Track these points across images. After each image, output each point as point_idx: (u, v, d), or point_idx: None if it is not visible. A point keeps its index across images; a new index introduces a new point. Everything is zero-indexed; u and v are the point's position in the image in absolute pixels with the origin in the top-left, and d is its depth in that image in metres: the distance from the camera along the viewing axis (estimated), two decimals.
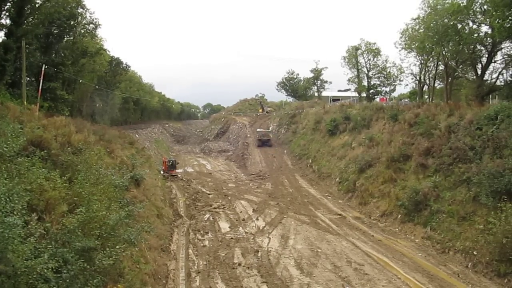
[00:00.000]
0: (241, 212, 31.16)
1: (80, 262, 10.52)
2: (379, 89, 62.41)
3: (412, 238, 23.77)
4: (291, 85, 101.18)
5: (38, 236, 10.16)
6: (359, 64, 61.57)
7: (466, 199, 21.68)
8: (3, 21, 29.48)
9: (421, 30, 40.10)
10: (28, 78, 30.83)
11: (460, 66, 39.61)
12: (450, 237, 21.24)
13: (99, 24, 42.41)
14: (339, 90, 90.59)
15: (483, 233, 18.81)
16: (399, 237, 24.23)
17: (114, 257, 11.66)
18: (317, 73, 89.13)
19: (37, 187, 12.33)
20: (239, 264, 20.12)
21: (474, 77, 36.81)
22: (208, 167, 57.99)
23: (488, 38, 33.50)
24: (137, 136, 54.01)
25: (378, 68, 61.23)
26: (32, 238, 9.63)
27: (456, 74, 40.19)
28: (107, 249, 11.68)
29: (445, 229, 21.85)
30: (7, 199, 9.72)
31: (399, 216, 26.17)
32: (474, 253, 19.11)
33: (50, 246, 10.37)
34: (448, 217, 22.07)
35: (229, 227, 27.12)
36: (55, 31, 36.14)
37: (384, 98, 60.17)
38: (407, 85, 56.91)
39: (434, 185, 24.43)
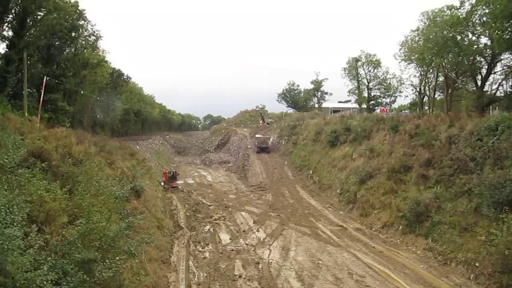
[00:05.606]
0: (241, 223, 31.05)
1: (80, 274, 10.47)
2: (380, 100, 62.57)
3: (414, 249, 23.64)
4: (291, 97, 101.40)
5: (38, 248, 10.12)
6: (359, 75, 61.83)
7: (468, 210, 21.59)
8: (5, 33, 29.76)
9: (420, 42, 40.33)
10: (29, 90, 30.93)
11: (460, 77, 39.74)
12: (451, 249, 21.12)
13: (101, 36, 42.69)
14: (340, 101, 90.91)
15: (485, 245, 18.71)
16: (401, 249, 24.11)
17: (114, 269, 11.60)
18: (317, 84, 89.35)
19: (37, 198, 12.30)
20: (240, 276, 19.98)
21: (474, 88, 36.90)
22: (209, 178, 57.93)
23: (488, 50, 33.64)
24: (137, 147, 53.99)
25: (378, 79, 61.46)
26: (32, 249, 9.60)
27: (456, 85, 40.30)
28: (107, 260, 11.62)
29: (447, 240, 21.75)
30: (7, 210, 9.71)
31: (400, 227, 26.07)
32: (476, 264, 18.98)
33: (50, 257, 10.31)
34: (450, 228, 21.98)
35: (230, 239, 26.99)
36: (56, 43, 36.34)
37: (385, 109, 60.28)
38: (407, 96, 57.31)
39: (435, 196, 24.35)
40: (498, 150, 22.21)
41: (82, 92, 41.07)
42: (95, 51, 45.28)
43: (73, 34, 38.15)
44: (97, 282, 11.15)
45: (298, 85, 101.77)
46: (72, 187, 14.86)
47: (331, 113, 77.59)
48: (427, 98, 48.75)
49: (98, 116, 54.25)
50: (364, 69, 61.68)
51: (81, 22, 39.37)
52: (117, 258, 12.08)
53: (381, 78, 61.27)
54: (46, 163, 15.29)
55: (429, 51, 37.01)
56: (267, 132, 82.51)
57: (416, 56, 41.39)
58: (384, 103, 62.49)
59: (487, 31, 31.80)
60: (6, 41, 29.67)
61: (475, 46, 34.27)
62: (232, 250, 24.42)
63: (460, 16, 33.46)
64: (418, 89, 48.62)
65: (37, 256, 9.84)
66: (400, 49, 45.47)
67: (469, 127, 25.91)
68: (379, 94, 62.46)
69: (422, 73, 46.10)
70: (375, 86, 61.96)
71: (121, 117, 65.25)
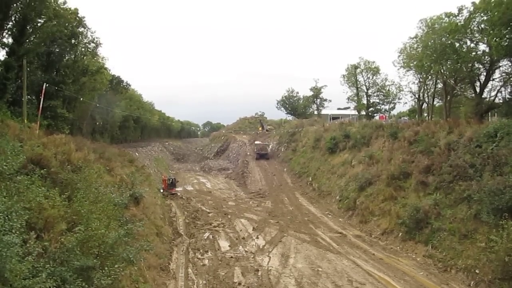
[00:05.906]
0: (241, 230, 30.96)
1: (78, 282, 10.42)
2: (379, 107, 62.70)
3: (414, 256, 23.56)
4: (290, 103, 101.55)
5: (36, 255, 10.08)
6: (358, 82, 61.97)
7: (467, 217, 21.56)
8: (5, 40, 29.82)
9: (419, 49, 40.47)
10: (28, 96, 30.93)
11: (459, 84, 39.82)
12: (451, 255, 21.06)
13: (100, 43, 42.88)
14: (339, 108, 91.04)
15: (485, 251, 18.67)
16: (400, 256, 24.03)
17: (113, 276, 11.56)
18: (316, 91, 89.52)
19: (36, 205, 12.26)
20: (239, 284, 19.89)
21: (473, 95, 36.99)
22: (208, 185, 57.88)
23: (486, 57, 33.75)
24: (137, 154, 53.98)
25: (377, 86, 61.65)
26: (30, 257, 9.56)
27: (454, 92, 40.39)
28: (106, 268, 11.58)
29: (447, 247, 21.69)
30: (6, 217, 9.67)
31: (400, 234, 26.01)
32: (476, 271, 18.91)
33: (48, 265, 10.28)
34: (449, 235, 21.93)
35: (229, 246, 26.91)
36: (56, 50, 36.40)
37: (384, 116, 60.39)
38: (406, 103, 57.32)
39: (435, 202, 24.32)
40: (497, 156, 22.22)
41: (81, 99, 41.07)
42: (95, 58, 45.38)
43: (72, 41, 38.25)
44: None
45: (298, 92, 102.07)
46: (71, 194, 14.82)
47: (330, 120, 77.72)
48: (426, 104, 48.84)
49: (97, 123, 54.28)
50: (363, 76, 61.90)
51: (81, 29, 39.54)
52: (116, 265, 12.05)
53: (380, 85, 61.49)
54: (45, 170, 15.23)
55: (427, 58, 37.12)
56: (266, 139, 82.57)
57: (415, 63, 41.51)
58: (383, 110, 62.67)
59: (485, 38, 31.93)
60: (6, 48, 29.72)
61: (473, 53, 34.39)
62: (232, 257, 24.33)
63: (459, 23, 33.60)
64: (417, 96, 48.73)
65: (35, 263, 9.81)
66: (399, 56, 45.67)
67: (468, 134, 25.95)
68: (378, 101, 62.62)
69: (421, 80, 46.23)
70: (374, 93, 62.14)
71: (120, 124, 65.29)
